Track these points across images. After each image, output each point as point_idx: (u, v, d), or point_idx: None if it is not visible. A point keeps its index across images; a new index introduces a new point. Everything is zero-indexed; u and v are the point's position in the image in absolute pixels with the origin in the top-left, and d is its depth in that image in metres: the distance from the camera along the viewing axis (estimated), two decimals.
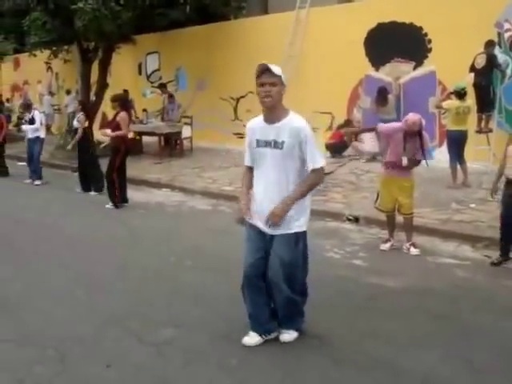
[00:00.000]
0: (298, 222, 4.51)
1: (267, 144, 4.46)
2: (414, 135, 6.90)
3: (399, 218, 7.42)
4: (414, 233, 7.40)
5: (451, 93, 11.12)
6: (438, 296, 5.79)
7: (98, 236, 8.23)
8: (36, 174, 13.03)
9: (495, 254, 6.88)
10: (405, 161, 6.94)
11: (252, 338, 4.72)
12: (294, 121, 4.46)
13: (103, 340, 4.81)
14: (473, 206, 9.01)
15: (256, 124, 4.61)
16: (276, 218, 4.39)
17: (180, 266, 6.80)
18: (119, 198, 10.26)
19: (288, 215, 4.43)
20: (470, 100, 10.76)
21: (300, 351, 4.56)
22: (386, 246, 7.38)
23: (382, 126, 7.44)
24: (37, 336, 4.91)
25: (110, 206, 10.21)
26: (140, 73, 20.63)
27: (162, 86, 18.10)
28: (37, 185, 12.85)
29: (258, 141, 4.53)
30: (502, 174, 6.78)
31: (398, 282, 6.15)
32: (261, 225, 4.53)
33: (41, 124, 13.04)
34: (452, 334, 4.89)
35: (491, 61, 11.49)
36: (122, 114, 10.16)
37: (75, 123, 11.89)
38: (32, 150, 12.96)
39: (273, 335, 4.77)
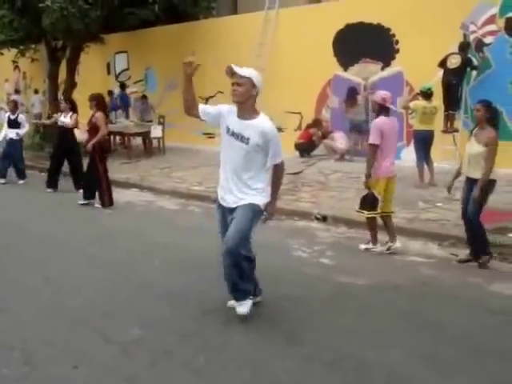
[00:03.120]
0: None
1: (234, 135, 4.88)
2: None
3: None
4: (380, 231, 7.46)
5: (418, 94, 11.29)
6: (404, 293, 5.86)
7: (66, 235, 8.15)
8: (23, 173, 12.97)
9: (461, 252, 7.00)
10: None
11: (245, 306, 5.09)
12: (262, 123, 4.84)
13: (70, 340, 4.77)
14: (439, 204, 9.13)
15: (232, 112, 4.95)
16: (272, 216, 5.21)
17: (149, 264, 6.77)
18: (109, 199, 10.19)
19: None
20: (437, 101, 10.92)
21: (268, 348, 4.58)
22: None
23: None
24: (3, 337, 4.84)
25: (98, 204, 10.21)
26: (109, 72, 20.50)
27: (123, 86, 18.27)
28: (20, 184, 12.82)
29: (228, 128, 4.92)
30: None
31: (364, 280, 6.21)
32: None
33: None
34: (417, 330, 4.96)
35: (467, 63, 11.68)
36: (98, 115, 10.08)
37: (63, 119, 11.51)
38: (17, 150, 12.86)
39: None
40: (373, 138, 6.98)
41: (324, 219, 8.76)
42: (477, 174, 6.56)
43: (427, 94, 10.65)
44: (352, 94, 13.23)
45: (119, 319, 5.18)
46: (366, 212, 7.22)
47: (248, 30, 15.57)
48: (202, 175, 12.39)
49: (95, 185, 10.16)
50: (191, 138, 16.81)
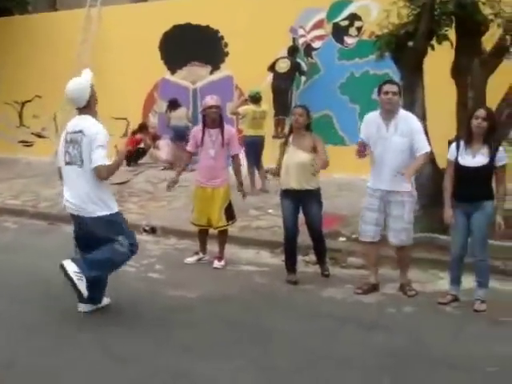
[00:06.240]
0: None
1: None
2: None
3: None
4: (210, 241, 7.54)
5: (246, 99, 11.57)
6: (237, 303, 5.99)
7: None
8: None
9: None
10: None
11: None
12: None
13: None
14: (271, 211, 9.38)
15: None
16: None
17: None
18: None
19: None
20: (266, 104, 11.27)
21: (102, 369, 4.52)
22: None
23: None
24: None
25: None
26: None
27: None
28: None
29: None
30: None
31: (195, 293, 6.26)
32: None
33: None
34: (252, 341, 5.08)
35: (296, 67, 12.15)
36: None
37: None
38: None
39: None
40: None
41: (153, 231, 8.72)
42: (308, 184, 6.57)
43: (256, 99, 10.96)
44: (174, 98, 13.25)
45: None
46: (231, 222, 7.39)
47: (68, 28, 15.12)
48: (18, 187, 11.86)
49: None
50: (5, 147, 16.00)
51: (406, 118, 6.13)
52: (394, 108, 6.05)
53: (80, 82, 5.23)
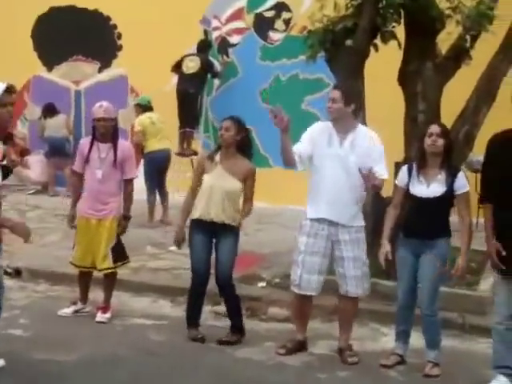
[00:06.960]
0: None
1: None
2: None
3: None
4: (93, 287, 7.42)
5: (139, 107, 11.36)
6: (126, 368, 5.87)
7: None
8: None
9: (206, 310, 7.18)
10: None
11: None
12: None
13: None
14: (173, 248, 9.23)
15: None
16: None
17: None
18: None
19: None
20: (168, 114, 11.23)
21: None
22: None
23: None
24: None
25: None
26: None
27: None
28: None
29: None
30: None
31: (72, 355, 6.10)
32: None
33: None
34: None
35: (207, 67, 12.14)
36: None
37: None
38: None
39: None
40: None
41: (17, 274, 8.51)
42: (229, 218, 6.45)
43: (148, 108, 10.94)
44: (51, 103, 13.04)
45: None
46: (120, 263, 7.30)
47: None
48: None
49: None
50: None
51: (366, 136, 6.20)
52: (338, 116, 6.07)
53: None
